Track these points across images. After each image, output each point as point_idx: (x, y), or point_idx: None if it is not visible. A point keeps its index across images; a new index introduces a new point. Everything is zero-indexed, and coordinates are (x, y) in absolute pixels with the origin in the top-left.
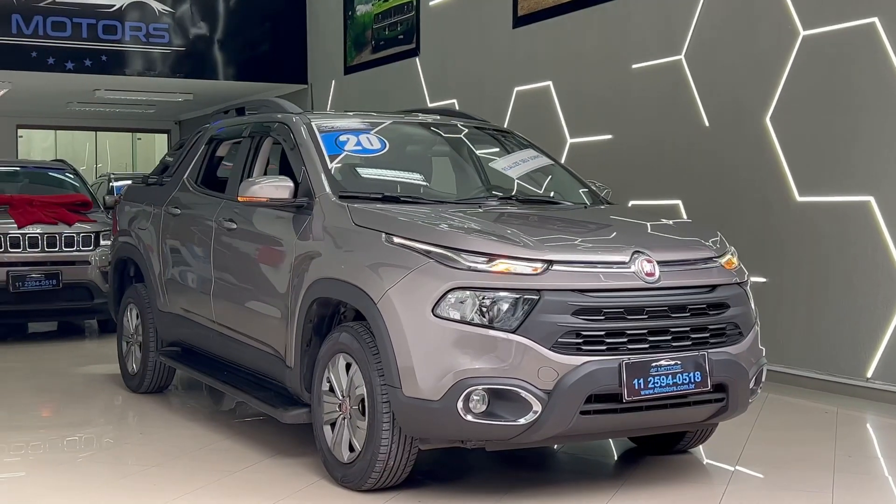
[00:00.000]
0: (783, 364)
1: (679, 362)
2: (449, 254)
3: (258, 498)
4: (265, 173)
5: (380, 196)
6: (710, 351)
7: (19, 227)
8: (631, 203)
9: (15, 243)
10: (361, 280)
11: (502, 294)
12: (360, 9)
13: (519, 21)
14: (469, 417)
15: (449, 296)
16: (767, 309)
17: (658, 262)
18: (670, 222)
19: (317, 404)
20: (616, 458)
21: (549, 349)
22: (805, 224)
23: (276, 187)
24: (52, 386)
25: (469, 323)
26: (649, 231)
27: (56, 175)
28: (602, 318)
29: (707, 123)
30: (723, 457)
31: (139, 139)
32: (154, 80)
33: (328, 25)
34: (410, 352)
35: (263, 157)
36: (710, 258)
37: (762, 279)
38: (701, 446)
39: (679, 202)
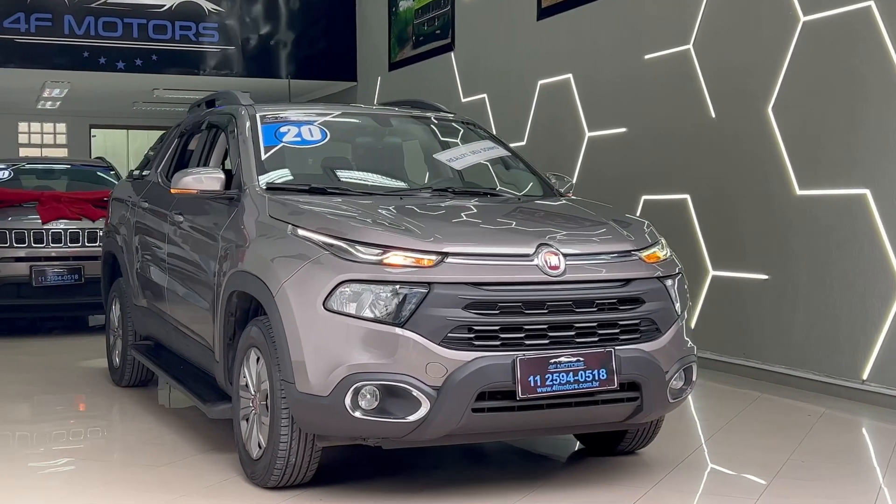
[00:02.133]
0: (784, 365)
1: (582, 359)
2: (344, 245)
3: (166, 492)
4: (222, 166)
5: (306, 187)
6: (618, 347)
7: (43, 223)
8: (643, 198)
9: (38, 238)
10: (264, 272)
11: (392, 287)
12: (403, 4)
13: (543, 13)
14: (357, 414)
15: (341, 288)
16: (769, 308)
17: (565, 255)
18: (600, 216)
19: (235, 399)
20: (554, 457)
21: (438, 344)
22: (804, 219)
23: (207, 179)
24: (45, 379)
25: (359, 317)
26: (566, 223)
27: (98, 173)
28: (497, 312)
29: (713, 115)
30: (669, 458)
31: None
32: (211, 80)
33: (375, 22)
34: (302, 346)
35: (219, 149)
36: (628, 251)
37: (764, 276)
38: (650, 446)
39: (687, 196)
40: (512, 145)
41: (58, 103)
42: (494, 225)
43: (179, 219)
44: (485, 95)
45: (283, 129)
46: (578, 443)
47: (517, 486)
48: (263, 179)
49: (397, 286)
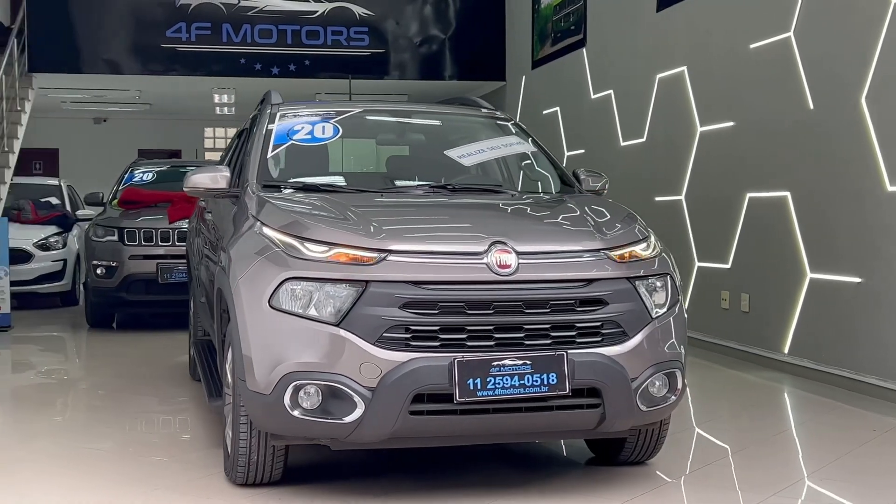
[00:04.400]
0: (877, 375)
1: (529, 362)
2: (295, 243)
3: (142, 484)
4: None
5: (300, 185)
6: (573, 351)
7: (170, 223)
8: (748, 196)
9: (165, 237)
10: (229, 269)
11: (331, 285)
12: (544, 0)
13: (662, 3)
14: (297, 413)
15: (286, 286)
16: (862, 313)
17: (521, 254)
18: (585, 213)
19: (223, 395)
20: (563, 464)
21: (373, 344)
22: (895, 217)
23: (213, 177)
24: (132, 373)
25: (299, 315)
26: (539, 221)
27: None
28: (436, 312)
29: (812, 106)
30: (674, 470)
31: None
32: (370, 83)
33: (520, 20)
34: (250, 343)
35: None
36: (596, 250)
37: (857, 279)
38: (665, 456)
39: (787, 194)
40: (632, 142)
41: (233, 109)
42: (453, 222)
43: (209, 217)
44: (611, 91)
45: (297, 128)
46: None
47: (485, 490)
48: (262, 177)
49: (336, 284)
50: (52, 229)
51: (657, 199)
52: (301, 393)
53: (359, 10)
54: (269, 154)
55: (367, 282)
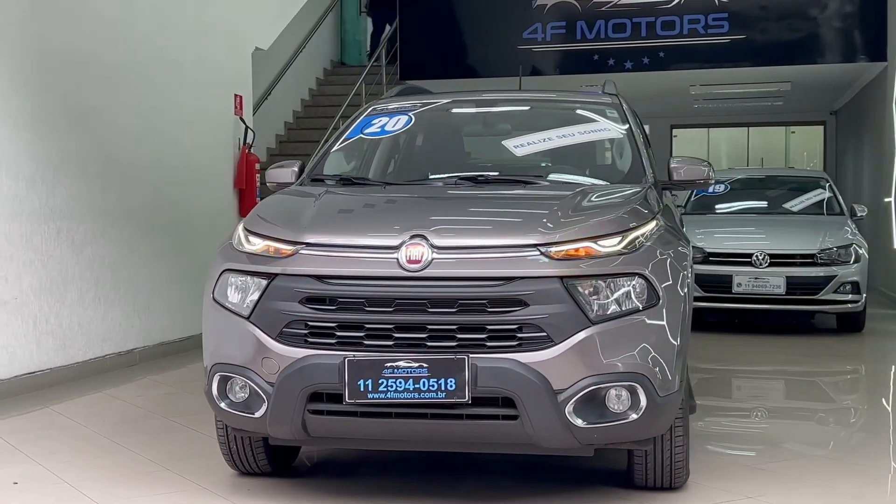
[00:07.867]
0: None
1: (425, 365)
2: (242, 236)
3: (142, 463)
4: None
5: (336, 179)
6: (478, 356)
7: None
8: None
9: None
10: None
11: (250, 278)
12: None
13: None
14: (223, 405)
15: (222, 278)
16: None
17: (437, 248)
18: (556, 202)
19: None
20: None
21: (274, 339)
22: None
23: (286, 172)
24: None
25: (224, 307)
26: (475, 213)
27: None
28: (333, 308)
29: None
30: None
31: (793, 132)
32: (749, 71)
33: None
34: (204, 335)
35: None
36: (531, 245)
37: None
38: (700, 483)
39: None
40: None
41: None
42: (390, 215)
43: None
44: None
45: (374, 121)
46: None
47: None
48: (314, 171)
49: (253, 277)
50: None
51: None
52: (228, 385)
53: None
54: (335, 148)
55: (274, 275)
